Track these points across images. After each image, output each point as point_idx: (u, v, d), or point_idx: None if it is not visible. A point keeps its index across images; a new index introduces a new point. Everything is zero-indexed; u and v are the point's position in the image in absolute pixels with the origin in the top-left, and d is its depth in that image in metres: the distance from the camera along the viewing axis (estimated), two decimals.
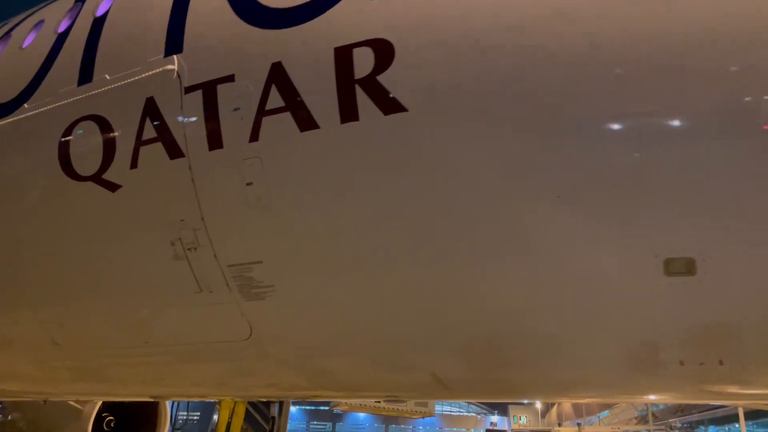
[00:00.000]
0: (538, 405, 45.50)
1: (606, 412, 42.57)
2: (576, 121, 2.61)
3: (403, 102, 2.86)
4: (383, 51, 2.92)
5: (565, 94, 2.61)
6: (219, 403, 14.14)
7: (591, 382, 3.52)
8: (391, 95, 2.88)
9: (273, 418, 14.61)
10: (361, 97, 2.95)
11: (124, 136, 3.68)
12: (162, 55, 3.62)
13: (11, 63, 4.59)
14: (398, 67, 2.89)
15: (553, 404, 46.51)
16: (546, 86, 2.63)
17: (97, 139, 3.77)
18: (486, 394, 5.23)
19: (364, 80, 2.95)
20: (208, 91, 3.37)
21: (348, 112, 2.98)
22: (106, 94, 3.78)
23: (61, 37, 4.29)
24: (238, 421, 14.59)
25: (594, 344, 3.04)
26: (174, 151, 3.48)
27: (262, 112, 3.20)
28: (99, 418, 12.19)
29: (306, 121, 3.09)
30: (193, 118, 3.42)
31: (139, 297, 3.96)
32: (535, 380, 3.65)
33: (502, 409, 64.18)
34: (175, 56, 3.56)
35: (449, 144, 2.82)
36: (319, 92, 3.07)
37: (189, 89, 3.45)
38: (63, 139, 3.92)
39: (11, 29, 5.04)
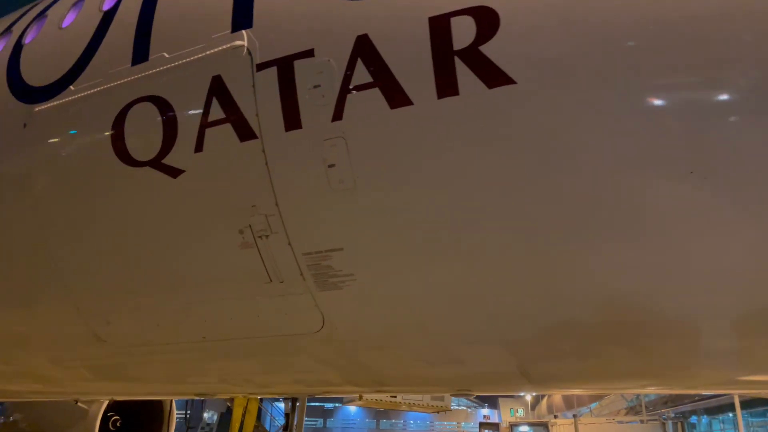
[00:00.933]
0: (528, 397, 45.59)
1: (596, 404, 42.79)
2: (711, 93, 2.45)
3: (511, 74, 2.68)
4: (486, 19, 2.74)
5: (695, 62, 2.45)
6: (231, 400, 13.99)
7: (689, 371, 3.38)
8: (496, 67, 2.70)
9: (287, 414, 14.46)
10: (461, 70, 2.76)
11: (187, 118, 3.46)
12: (229, 31, 3.40)
13: (51, 44, 4.33)
14: (505, 36, 2.70)
15: (543, 396, 46.65)
16: (677, 56, 2.46)
17: (156, 121, 3.54)
18: (570, 385, 5.05)
19: (465, 52, 2.76)
20: (284, 67, 3.17)
21: (446, 87, 2.79)
22: (166, 74, 3.55)
23: (108, 15, 4.04)
24: (251, 419, 14.45)
25: (707, 335, 2.90)
26: (245, 132, 3.27)
27: (346, 88, 3.00)
28: (105, 418, 11.95)
29: (397, 98, 2.89)
30: (267, 97, 3.21)
31: (200, 289, 3.75)
32: (622, 371, 3.50)
33: (492, 402, 64.32)
34: (244, 31, 3.34)
35: (564, 119, 2.64)
36: (411, 66, 2.87)
37: (261, 66, 3.24)
38: (117, 122, 3.69)
39: (46, 9, 4.76)
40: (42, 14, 4.71)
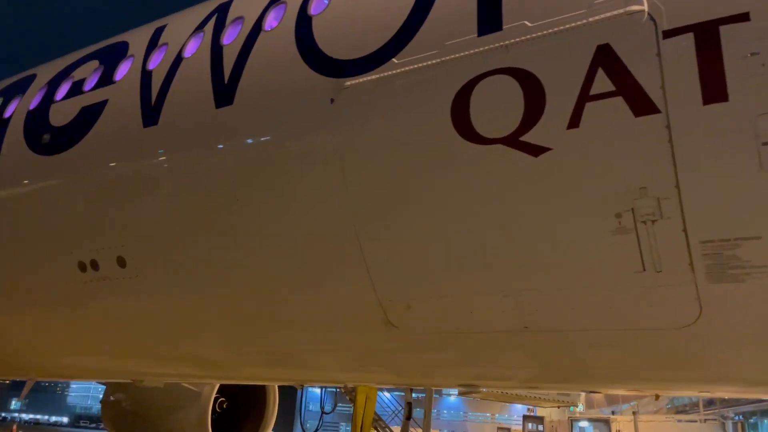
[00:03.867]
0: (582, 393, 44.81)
1: (633, 403, 41.93)
2: None
3: None
4: None
5: None
6: (352, 390, 13.89)
7: None
8: None
9: (409, 403, 14.34)
10: None
11: (559, 91, 3.17)
12: None
13: (353, 13, 4.08)
14: None
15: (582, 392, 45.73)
16: None
17: (515, 95, 3.27)
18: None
19: None
20: (705, 34, 2.85)
21: None
22: (531, 44, 3.26)
23: None
24: (372, 406, 14.39)
25: None
26: (643, 106, 2.98)
27: None
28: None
29: None
30: (678, 67, 2.91)
31: (541, 275, 3.48)
32: None
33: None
34: None
35: None
36: None
37: (670, 33, 2.93)
38: (460, 97, 3.43)
39: None
40: None
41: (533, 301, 3.57)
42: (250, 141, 4.33)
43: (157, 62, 5.10)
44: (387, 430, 15.88)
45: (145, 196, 4.87)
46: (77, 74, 5.78)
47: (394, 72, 3.66)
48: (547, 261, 3.42)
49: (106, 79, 5.42)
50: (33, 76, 6.47)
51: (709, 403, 37.81)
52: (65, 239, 5.39)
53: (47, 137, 5.54)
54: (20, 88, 6.40)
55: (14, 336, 6.44)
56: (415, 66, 3.59)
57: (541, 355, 3.93)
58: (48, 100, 5.82)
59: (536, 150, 3.24)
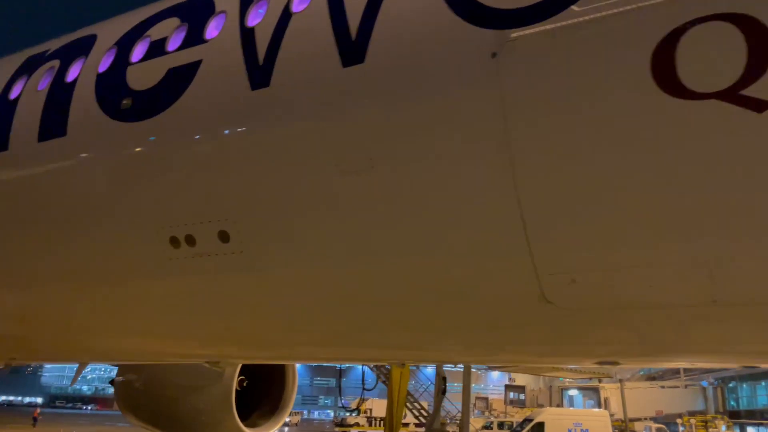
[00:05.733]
0: None
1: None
2: None
3: None
4: None
5: None
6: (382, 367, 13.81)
7: None
8: None
9: (444, 378, 14.29)
10: None
11: None
12: None
13: None
14: None
15: None
16: None
17: (735, 44, 3.00)
18: None
19: None
20: None
21: None
22: None
23: None
24: (405, 383, 14.32)
25: None
26: None
27: None
28: None
29: None
30: None
31: (739, 242, 3.26)
32: None
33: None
34: None
35: None
36: None
37: None
38: (663, 47, 3.14)
39: None
40: None
41: (728, 271, 3.35)
42: (389, 102, 3.97)
43: (259, 18, 4.67)
44: (416, 404, 15.88)
45: (256, 165, 4.48)
46: (154, 33, 5.29)
47: (574, 21, 3.35)
48: (756, 226, 3.20)
49: (194, 38, 4.96)
50: (92, 36, 5.93)
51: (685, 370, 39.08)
52: (155, 213, 4.98)
53: (128, 102, 5.07)
54: (80, 49, 5.86)
55: (84, 317, 6.03)
56: (604, 14, 3.28)
57: (727, 331, 3.74)
58: (122, 61, 5.32)
59: (762, 106, 2.98)
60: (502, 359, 6.81)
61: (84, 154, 5.37)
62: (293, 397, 12.32)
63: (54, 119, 5.52)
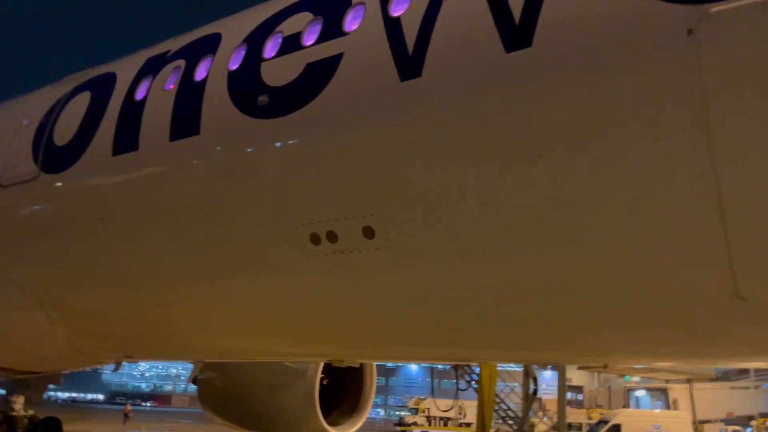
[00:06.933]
0: None
1: None
2: None
3: None
4: None
5: None
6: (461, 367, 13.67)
7: None
8: None
9: (535, 378, 14.08)
10: None
11: None
12: None
13: None
14: None
15: None
16: None
17: None
18: None
19: None
20: None
21: None
22: None
23: None
24: (494, 383, 14.19)
25: None
26: None
27: None
28: None
29: None
30: None
31: None
32: None
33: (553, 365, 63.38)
34: None
35: None
36: None
37: None
38: None
39: None
40: None
41: None
42: (563, 88, 3.78)
43: (404, 8, 4.55)
44: (503, 404, 15.68)
45: (408, 157, 4.36)
46: (285, 29, 5.23)
47: None
48: None
49: (332, 32, 4.88)
50: (216, 35, 5.94)
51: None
52: (295, 210, 4.92)
53: (264, 98, 5.03)
54: (205, 48, 5.87)
55: (211, 316, 6.06)
56: None
57: None
58: (254, 58, 5.29)
59: None
60: (672, 357, 6.50)
61: (219, 153, 5.37)
62: (372, 397, 12.27)
63: (185, 118, 5.54)
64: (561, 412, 13.12)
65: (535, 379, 12.88)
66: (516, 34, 3.91)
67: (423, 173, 4.34)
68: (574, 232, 3.93)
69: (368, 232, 4.56)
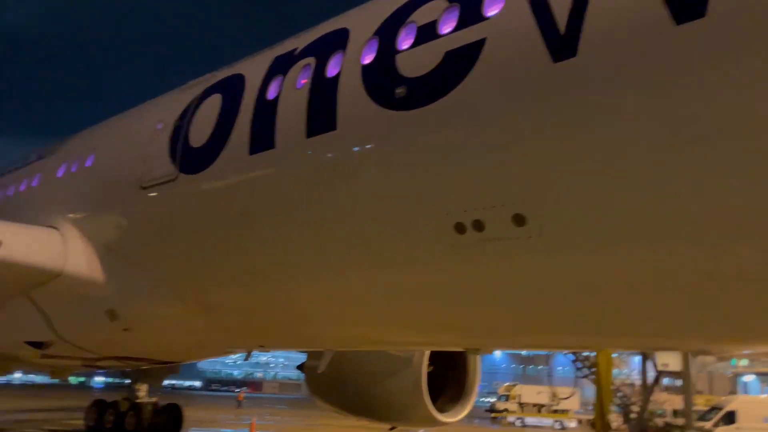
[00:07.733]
0: None
1: None
2: None
3: None
4: None
5: None
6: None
7: None
8: None
9: (655, 365, 13.73)
10: None
11: None
12: None
13: None
14: None
15: None
16: None
17: None
18: None
19: None
20: None
21: None
22: None
23: None
24: (610, 369, 13.97)
25: None
26: None
27: None
28: None
29: None
30: None
31: None
32: None
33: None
34: None
35: None
36: None
37: None
38: None
39: None
40: None
41: None
42: (733, 69, 3.55)
43: None
44: (618, 391, 15.32)
45: (565, 141, 4.24)
46: (419, 18, 5.21)
47: None
48: None
49: (471, 17, 4.80)
50: (343, 30, 6.01)
51: None
52: (439, 200, 4.92)
53: (402, 90, 5.04)
54: (333, 43, 5.96)
55: (346, 305, 6.20)
56: None
57: None
58: (389, 50, 5.31)
59: None
60: None
61: (358, 146, 5.44)
62: (477, 383, 12.18)
63: (320, 115, 5.65)
64: (687, 399, 12.55)
65: (660, 372, 12.41)
66: (688, 4, 3.68)
67: (584, 157, 4.20)
68: (741, 222, 3.73)
69: (519, 220, 4.48)
